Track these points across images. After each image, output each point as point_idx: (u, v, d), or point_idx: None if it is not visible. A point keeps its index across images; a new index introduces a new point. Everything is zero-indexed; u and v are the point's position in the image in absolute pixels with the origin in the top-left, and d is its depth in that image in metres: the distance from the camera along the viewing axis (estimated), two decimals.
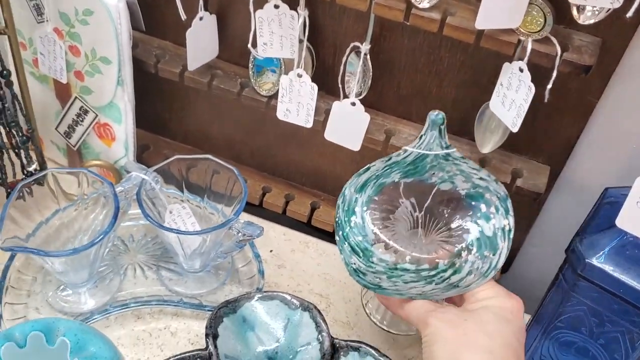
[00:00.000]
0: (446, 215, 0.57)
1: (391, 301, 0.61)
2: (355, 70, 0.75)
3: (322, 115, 0.80)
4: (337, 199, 0.94)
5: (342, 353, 0.70)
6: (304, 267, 0.89)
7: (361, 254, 0.57)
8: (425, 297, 0.58)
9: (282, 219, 0.94)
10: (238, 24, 0.78)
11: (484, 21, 0.62)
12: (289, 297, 0.71)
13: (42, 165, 0.83)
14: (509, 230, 0.56)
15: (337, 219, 0.60)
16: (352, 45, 0.74)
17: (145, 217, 0.73)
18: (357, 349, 0.69)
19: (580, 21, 0.59)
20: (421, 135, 0.60)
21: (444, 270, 0.55)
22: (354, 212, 0.58)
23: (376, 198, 0.58)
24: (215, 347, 0.67)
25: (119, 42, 0.77)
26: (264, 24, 0.74)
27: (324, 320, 0.70)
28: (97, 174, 0.75)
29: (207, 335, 0.67)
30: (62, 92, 0.86)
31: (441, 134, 0.59)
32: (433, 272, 0.56)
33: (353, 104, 0.77)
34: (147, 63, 0.83)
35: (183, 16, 0.74)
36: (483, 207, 0.56)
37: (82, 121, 0.87)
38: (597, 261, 0.62)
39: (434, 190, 0.58)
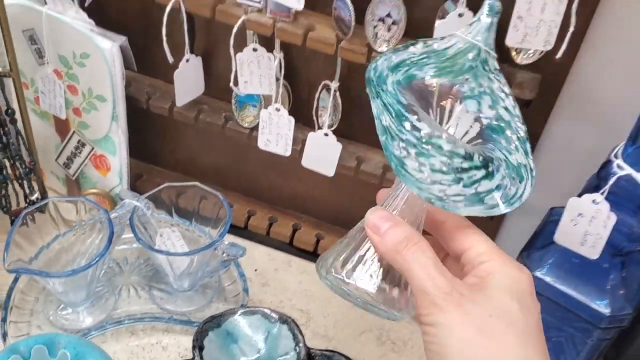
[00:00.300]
0: (467, 134, 0.51)
1: (386, 239, 0.48)
2: (327, 105, 0.83)
3: (299, 144, 0.88)
4: (317, 220, 1.02)
5: None
6: (287, 285, 0.96)
7: (393, 114, 0.46)
8: (444, 204, 0.46)
9: (266, 240, 1.01)
10: (221, 65, 0.86)
11: None
12: (268, 312, 0.78)
13: (44, 195, 0.90)
14: (531, 170, 0.48)
15: (367, 76, 0.50)
16: (323, 83, 0.82)
17: (137, 240, 0.80)
18: (330, 357, 0.76)
19: (518, 61, 0.67)
20: (472, 23, 0.51)
21: (477, 167, 0.46)
22: (385, 82, 0.48)
23: (402, 88, 0.49)
24: (201, 358, 0.74)
25: (113, 82, 0.85)
26: (244, 65, 0.82)
27: (301, 332, 0.77)
28: (94, 202, 0.82)
29: (193, 347, 0.74)
30: (62, 127, 0.94)
31: (492, 27, 0.50)
32: (466, 165, 0.46)
33: (326, 134, 0.85)
34: (139, 100, 0.91)
35: (170, 59, 0.82)
36: (503, 142, 0.49)
37: (79, 153, 0.94)
38: (540, 273, 0.69)
39: (458, 107, 0.51)
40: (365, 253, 0.52)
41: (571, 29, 0.63)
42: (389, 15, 0.72)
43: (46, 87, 0.89)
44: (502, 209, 0.47)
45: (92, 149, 0.93)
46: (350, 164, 0.87)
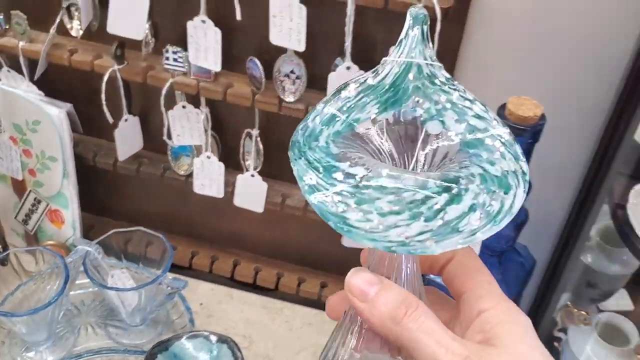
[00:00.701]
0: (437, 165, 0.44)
1: (377, 307, 0.40)
2: (251, 150, 0.96)
3: (230, 186, 1.01)
4: (254, 255, 1.13)
5: None
6: (230, 315, 1.07)
7: (321, 169, 0.40)
8: (410, 249, 0.38)
9: (209, 276, 1.12)
10: (156, 122, 0.99)
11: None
12: (208, 334, 0.90)
13: (5, 248, 1.01)
14: (523, 174, 0.41)
15: (293, 139, 0.44)
16: (245, 131, 0.95)
17: (90, 279, 0.91)
18: None
19: None
20: (400, 40, 0.44)
21: (438, 193, 0.38)
22: (317, 138, 0.42)
23: (348, 134, 0.42)
24: None
25: (63, 143, 0.97)
26: (175, 120, 0.95)
27: (239, 349, 0.88)
28: (50, 249, 0.94)
29: None
30: (19, 187, 1.05)
31: (425, 37, 0.43)
32: (421, 195, 0.38)
33: (252, 175, 0.98)
34: (86, 158, 1.04)
35: (110, 120, 0.95)
36: (484, 154, 0.41)
37: (36, 210, 1.05)
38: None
39: (421, 136, 0.43)
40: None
41: None
42: (292, 71, 0.86)
43: (4, 153, 1.00)
44: (485, 232, 0.39)
45: (47, 204, 1.04)
46: (277, 200, 1.00)
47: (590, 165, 0.87)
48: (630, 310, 1.07)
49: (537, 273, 0.97)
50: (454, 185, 0.38)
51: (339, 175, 0.39)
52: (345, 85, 0.43)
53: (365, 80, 0.43)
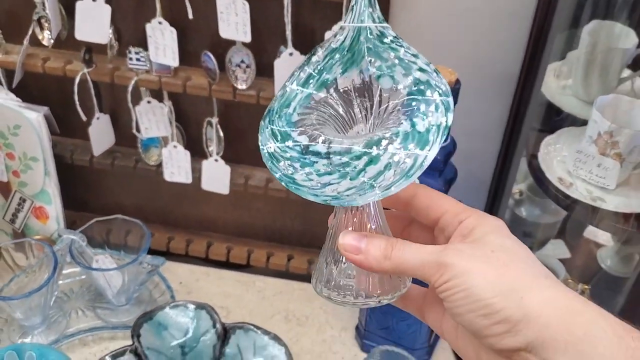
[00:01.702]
0: (386, 117, 0.49)
1: (371, 254, 0.47)
2: (212, 137, 1.07)
3: (197, 172, 1.11)
4: (226, 235, 1.24)
5: (231, 332, 0.98)
6: (207, 290, 1.18)
7: (279, 137, 0.48)
8: (341, 201, 0.46)
9: (185, 259, 1.23)
10: (125, 117, 1.09)
11: None
12: (186, 303, 1.00)
13: None
14: (445, 127, 0.46)
15: (269, 108, 0.51)
16: (206, 120, 1.06)
17: (77, 264, 1.01)
18: (241, 327, 0.98)
19: None
20: (352, 6, 0.50)
21: (358, 157, 0.45)
22: (289, 104, 0.49)
23: (316, 98, 0.49)
24: (139, 342, 0.95)
25: (42, 145, 1.07)
26: (142, 115, 1.05)
27: (217, 313, 0.98)
28: (38, 240, 1.04)
29: (132, 335, 0.95)
30: (4, 189, 1.15)
31: (372, 3, 0.49)
32: (345, 159, 0.46)
33: (216, 160, 1.09)
34: (64, 156, 1.14)
35: (84, 118, 1.05)
36: (423, 106, 0.46)
37: (22, 208, 1.15)
38: None
39: (377, 92, 0.49)
40: (340, 263, 0.52)
41: None
42: (242, 61, 0.97)
43: None
44: (399, 185, 0.45)
45: (32, 202, 1.14)
46: (240, 181, 1.11)
47: (507, 123, 1.00)
48: (568, 258, 1.19)
49: None
50: (375, 147, 0.45)
51: (289, 143, 0.47)
52: (314, 51, 0.50)
53: (330, 45, 0.50)
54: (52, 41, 1.00)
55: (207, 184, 1.12)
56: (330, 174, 0.46)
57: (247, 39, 0.92)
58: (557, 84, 1.00)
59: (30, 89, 1.09)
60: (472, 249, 0.45)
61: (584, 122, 0.90)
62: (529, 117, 0.96)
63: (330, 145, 0.46)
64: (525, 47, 0.95)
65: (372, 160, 0.45)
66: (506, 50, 0.97)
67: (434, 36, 0.98)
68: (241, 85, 0.99)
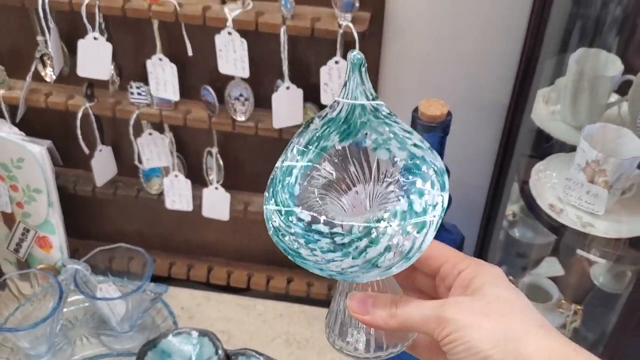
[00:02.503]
0: (385, 188, 0.51)
1: (377, 314, 0.50)
2: (212, 166, 1.10)
3: (198, 200, 1.14)
4: (226, 260, 1.26)
5: (233, 359, 1.01)
6: (209, 315, 1.20)
7: (283, 212, 0.49)
8: (345, 277, 0.49)
9: (187, 283, 1.25)
10: (127, 149, 1.12)
11: (277, 123, 0.98)
12: (190, 330, 1.02)
13: (1, 275, 1.13)
14: (442, 208, 0.48)
15: (272, 177, 0.52)
16: (206, 150, 1.09)
17: (81, 293, 1.04)
18: (243, 354, 1.01)
19: None
20: (345, 83, 0.51)
21: (359, 239, 0.47)
22: (290, 173, 0.51)
23: (317, 166, 0.51)
24: None
25: (45, 177, 1.09)
26: (144, 146, 1.08)
27: (219, 340, 1.01)
28: (43, 270, 1.06)
29: None
30: (8, 220, 1.17)
31: (363, 79, 0.50)
32: (347, 240, 0.47)
33: (216, 188, 1.12)
34: (67, 187, 1.16)
35: (86, 151, 1.08)
36: (419, 182, 0.48)
37: (26, 238, 1.17)
38: None
39: (374, 162, 0.51)
40: (351, 318, 0.54)
41: None
42: (241, 95, 1.00)
43: None
44: (399, 267, 0.47)
45: (36, 232, 1.16)
46: (240, 207, 1.14)
47: (498, 149, 1.03)
48: (562, 275, 1.22)
49: (468, 248, 1.12)
50: (373, 229, 0.47)
51: (293, 219, 0.48)
52: (311, 120, 0.51)
53: (326, 115, 0.51)
54: (54, 77, 1.03)
55: (207, 211, 1.14)
56: (333, 251, 0.47)
57: (246, 74, 0.95)
58: (547, 110, 1.03)
59: (33, 123, 1.11)
60: (471, 301, 0.47)
61: (573, 148, 0.93)
62: (520, 144, 0.99)
63: (333, 226, 0.48)
64: (514, 75, 0.98)
65: (372, 242, 0.46)
66: (496, 78, 1.00)
67: (425, 68, 1.01)
68: (240, 117, 1.01)
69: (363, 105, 0.50)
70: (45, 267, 1.19)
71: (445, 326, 0.46)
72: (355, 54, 0.49)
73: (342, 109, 0.50)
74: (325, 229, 0.47)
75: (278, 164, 0.51)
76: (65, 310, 1.14)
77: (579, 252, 1.17)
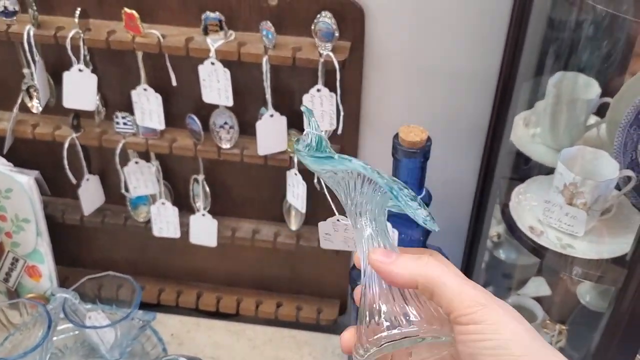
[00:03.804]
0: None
1: (400, 260, 0.47)
2: (199, 193, 1.11)
3: (185, 227, 1.15)
4: (215, 285, 1.27)
5: None
6: (198, 341, 1.20)
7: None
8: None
9: (176, 310, 1.26)
10: (114, 177, 1.13)
11: (262, 150, 0.99)
12: (178, 357, 1.03)
13: None
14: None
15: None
16: (193, 177, 1.10)
17: (70, 321, 1.04)
18: None
19: None
20: (306, 146, 0.53)
21: None
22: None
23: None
24: None
25: (34, 206, 1.10)
26: (131, 175, 1.09)
27: None
28: (32, 300, 1.07)
29: None
30: None
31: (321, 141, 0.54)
32: None
33: (203, 215, 1.13)
34: (55, 216, 1.17)
35: (73, 180, 1.09)
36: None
37: (15, 267, 1.18)
38: None
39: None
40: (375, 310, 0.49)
41: None
42: (226, 123, 1.01)
43: None
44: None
45: (25, 261, 1.17)
46: (227, 233, 1.15)
47: (479, 172, 1.04)
48: (549, 295, 1.23)
49: None
50: None
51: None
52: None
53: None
54: (40, 108, 1.04)
55: (195, 238, 1.15)
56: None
57: (230, 103, 0.97)
58: (527, 133, 1.05)
59: (20, 153, 1.12)
60: (506, 304, 0.46)
61: (553, 170, 0.94)
62: (500, 166, 1.00)
63: None
64: (493, 98, 1.00)
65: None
66: (475, 102, 1.01)
67: (404, 94, 1.03)
68: (225, 145, 1.03)
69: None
70: (34, 296, 1.20)
71: (477, 312, 0.44)
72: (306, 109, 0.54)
73: (312, 139, 0.53)
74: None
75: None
76: (54, 338, 1.14)
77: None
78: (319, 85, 0.94)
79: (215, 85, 0.95)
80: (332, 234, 0.94)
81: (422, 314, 0.47)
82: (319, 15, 0.91)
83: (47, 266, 1.17)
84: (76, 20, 0.94)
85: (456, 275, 0.46)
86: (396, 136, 0.86)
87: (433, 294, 0.46)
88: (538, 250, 0.91)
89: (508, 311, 0.45)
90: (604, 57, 1.01)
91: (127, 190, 1.11)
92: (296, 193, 1.04)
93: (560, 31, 0.99)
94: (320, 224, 0.94)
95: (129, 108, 1.03)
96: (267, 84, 0.95)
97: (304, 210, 1.05)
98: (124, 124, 1.04)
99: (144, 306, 1.14)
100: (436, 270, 0.46)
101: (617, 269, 0.87)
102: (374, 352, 0.48)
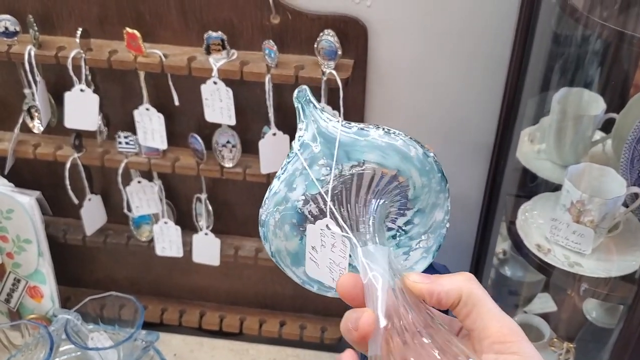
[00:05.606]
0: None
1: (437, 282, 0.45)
2: (202, 212, 1.10)
3: (188, 246, 1.14)
4: (218, 304, 1.26)
5: None
6: None
7: None
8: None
9: (179, 329, 1.25)
10: (116, 197, 1.12)
11: (265, 169, 0.99)
12: None
13: None
14: None
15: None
16: (195, 196, 1.09)
17: (72, 343, 1.03)
18: None
19: None
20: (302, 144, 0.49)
21: None
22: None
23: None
24: None
25: (35, 227, 1.10)
26: (133, 194, 1.08)
27: None
28: (33, 321, 1.05)
29: None
30: None
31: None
32: None
33: (206, 234, 1.12)
34: (57, 236, 1.16)
35: (75, 201, 1.08)
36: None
37: (17, 288, 1.17)
38: None
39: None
40: None
41: None
42: (228, 141, 1.01)
43: None
44: None
45: (27, 282, 1.16)
46: (230, 252, 1.14)
47: (485, 189, 1.03)
48: (554, 311, 1.22)
49: None
50: None
51: None
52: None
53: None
54: (42, 128, 1.04)
55: (198, 257, 1.14)
56: None
57: (232, 122, 0.96)
58: (532, 149, 1.04)
59: (22, 174, 1.12)
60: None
61: (559, 186, 0.93)
62: (506, 183, 0.99)
63: None
64: (498, 115, 0.99)
65: None
66: (480, 119, 1.01)
67: (409, 110, 1.02)
68: (228, 164, 1.02)
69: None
70: (36, 317, 1.19)
71: (517, 342, 0.43)
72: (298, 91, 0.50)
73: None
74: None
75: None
76: (56, 359, 1.13)
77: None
78: (322, 104, 0.93)
79: (218, 105, 0.95)
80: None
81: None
82: (321, 34, 0.91)
83: (48, 287, 1.16)
84: (77, 40, 0.94)
85: (492, 300, 0.45)
86: None
87: (472, 311, 0.45)
88: (545, 268, 0.90)
89: (534, 347, 0.44)
90: (607, 73, 1.00)
91: (129, 209, 1.10)
92: None
93: (565, 47, 0.98)
94: None
95: (131, 127, 1.02)
96: (269, 103, 0.94)
97: None
98: (127, 143, 1.03)
99: (147, 325, 1.13)
100: (480, 289, 0.45)
101: (626, 286, 0.87)
102: None
